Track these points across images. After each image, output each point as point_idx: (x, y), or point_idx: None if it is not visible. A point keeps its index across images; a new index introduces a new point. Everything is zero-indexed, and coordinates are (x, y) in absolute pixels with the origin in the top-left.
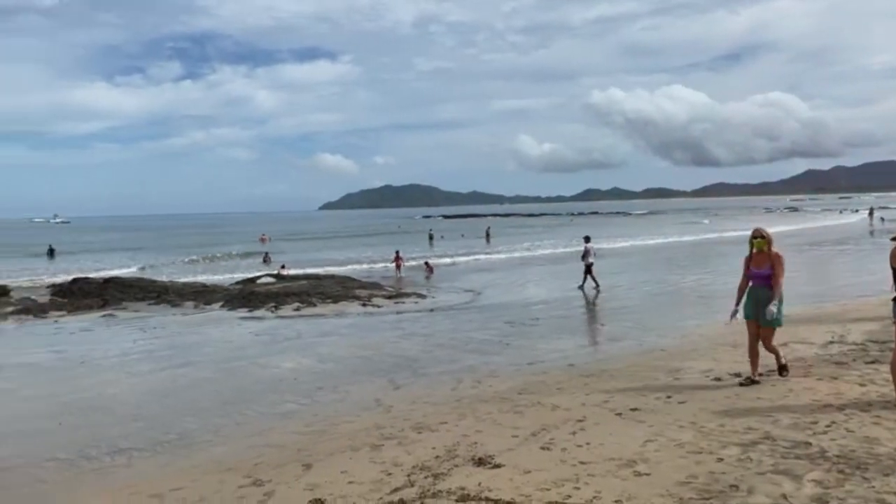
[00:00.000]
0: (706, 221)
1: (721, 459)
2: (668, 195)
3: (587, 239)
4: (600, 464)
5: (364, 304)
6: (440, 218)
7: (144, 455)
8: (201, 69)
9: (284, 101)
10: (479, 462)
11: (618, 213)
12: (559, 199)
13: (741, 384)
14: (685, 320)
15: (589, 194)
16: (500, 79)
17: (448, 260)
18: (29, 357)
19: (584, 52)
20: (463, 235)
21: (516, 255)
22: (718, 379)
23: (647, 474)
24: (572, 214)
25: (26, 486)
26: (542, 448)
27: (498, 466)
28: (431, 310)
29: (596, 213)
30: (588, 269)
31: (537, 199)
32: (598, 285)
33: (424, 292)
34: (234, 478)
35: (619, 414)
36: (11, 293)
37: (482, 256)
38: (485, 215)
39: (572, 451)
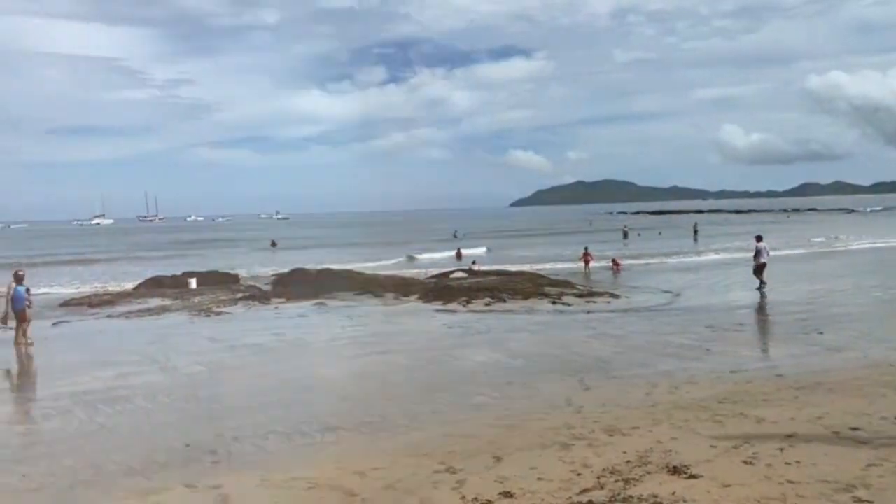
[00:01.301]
0: None
1: None
2: None
3: (759, 238)
4: (812, 485)
5: (554, 302)
6: (635, 214)
7: (350, 434)
8: (403, 73)
9: (479, 100)
10: (674, 471)
11: (841, 209)
12: (770, 193)
13: None
14: None
15: (806, 189)
16: (703, 67)
17: (644, 261)
18: (255, 338)
19: (800, 34)
20: (660, 233)
21: (726, 255)
22: None
23: (870, 502)
24: (787, 211)
25: (252, 455)
26: (745, 462)
27: (694, 477)
28: (625, 310)
29: (814, 209)
30: (760, 269)
31: (745, 195)
32: (763, 284)
33: (618, 292)
34: (429, 463)
35: (837, 432)
36: (241, 281)
37: (691, 257)
38: (686, 211)
39: (779, 468)
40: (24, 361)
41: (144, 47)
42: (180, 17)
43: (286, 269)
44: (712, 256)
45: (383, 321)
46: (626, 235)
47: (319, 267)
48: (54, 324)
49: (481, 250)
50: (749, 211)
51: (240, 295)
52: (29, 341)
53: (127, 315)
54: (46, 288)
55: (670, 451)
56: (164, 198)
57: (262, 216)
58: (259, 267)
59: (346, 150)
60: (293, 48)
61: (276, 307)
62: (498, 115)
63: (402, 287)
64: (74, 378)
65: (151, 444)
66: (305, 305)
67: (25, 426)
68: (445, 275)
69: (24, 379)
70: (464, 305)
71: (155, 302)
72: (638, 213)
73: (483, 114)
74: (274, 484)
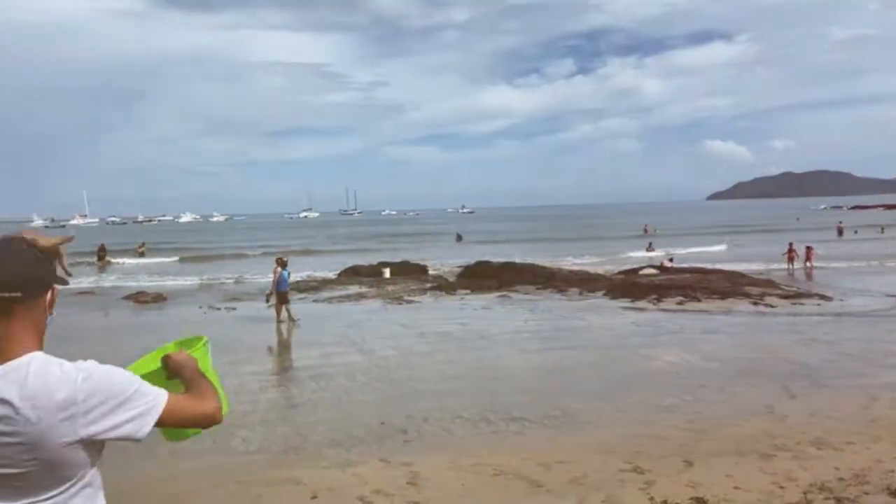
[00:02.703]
0: None
1: None
2: None
3: None
4: None
5: (755, 303)
6: (852, 210)
7: (534, 426)
8: (592, 64)
9: (672, 88)
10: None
11: None
12: None
13: None
14: None
15: None
16: None
17: (863, 262)
18: (442, 327)
19: None
20: (882, 230)
21: None
22: None
23: None
24: None
25: (440, 437)
26: None
27: None
28: (839, 314)
29: None
30: None
31: None
32: None
33: (830, 294)
34: (615, 461)
35: None
36: (429, 272)
37: None
38: None
39: None
40: (284, 336)
41: (348, 52)
42: (378, 21)
43: (471, 262)
44: None
45: (567, 316)
46: (840, 233)
47: (503, 260)
48: (268, 307)
49: (720, 248)
50: None
51: (428, 285)
52: (295, 318)
53: (329, 300)
54: (260, 275)
55: (892, 471)
56: (361, 193)
57: (449, 210)
58: (446, 259)
59: (531, 144)
60: (481, 45)
61: (462, 298)
62: (694, 103)
63: (586, 282)
64: (287, 356)
65: (350, 420)
66: (489, 297)
67: (247, 396)
68: (634, 271)
69: (250, 354)
70: (654, 303)
71: (353, 289)
72: (855, 207)
73: (677, 102)
74: (461, 467)
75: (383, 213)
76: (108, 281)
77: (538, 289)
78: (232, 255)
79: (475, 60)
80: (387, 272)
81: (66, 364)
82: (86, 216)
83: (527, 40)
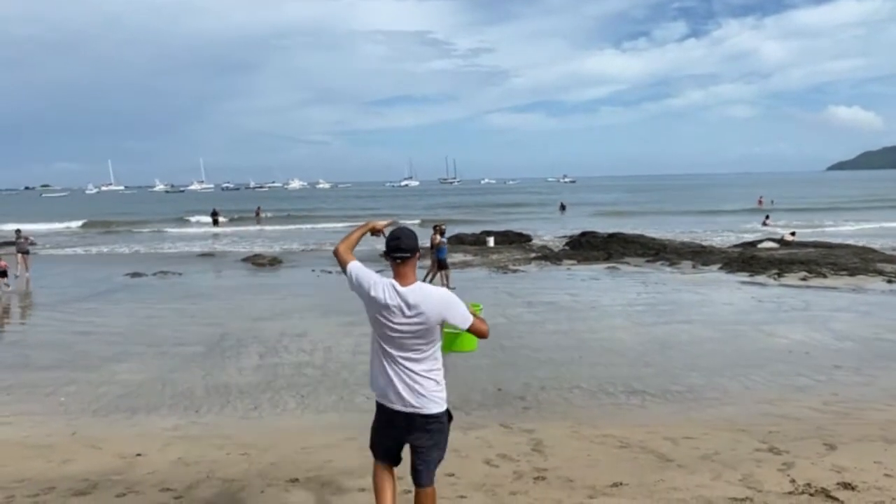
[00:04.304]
0: None
1: None
2: None
3: None
4: None
5: (890, 281)
6: None
7: (656, 400)
8: (706, 26)
9: (794, 50)
10: None
11: None
12: None
13: None
14: None
15: None
16: None
17: None
18: (550, 297)
19: None
20: None
21: None
22: None
23: None
24: None
25: (559, 406)
26: None
27: None
28: None
29: None
30: None
31: None
32: None
33: None
34: (748, 440)
35: None
36: (532, 241)
37: None
38: None
39: None
40: None
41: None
42: None
43: (576, 232)
44: None
45: (681, 289)
46: None
47: (609, 231)
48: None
49: (847, 225)
50: None
51: (533, 255)
52: (452, 285)
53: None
54: (366, 245)
55: None
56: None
57: (550, 179)
58: (549, 229)
59: (637, 110)
60: (588, 8)
61: (568, 268)
62: (817, 67)
63: (700, 255)
64: None
65: (467, 385)
66: (597, 268)
67: (364, 357)
68: (751, 244)
69: (363, 316)
70: (774, 279)
71: (458, 257)
72: None
73: (798, 66)
74: (584, 436)
75: (483, 181)
76: (224, 244)
77: (647, 261)
78: (337, 221)
79: (582, 24)
80: (490, 241)
81: (432, 287)
82: (202, 182)
83: (636, 2)
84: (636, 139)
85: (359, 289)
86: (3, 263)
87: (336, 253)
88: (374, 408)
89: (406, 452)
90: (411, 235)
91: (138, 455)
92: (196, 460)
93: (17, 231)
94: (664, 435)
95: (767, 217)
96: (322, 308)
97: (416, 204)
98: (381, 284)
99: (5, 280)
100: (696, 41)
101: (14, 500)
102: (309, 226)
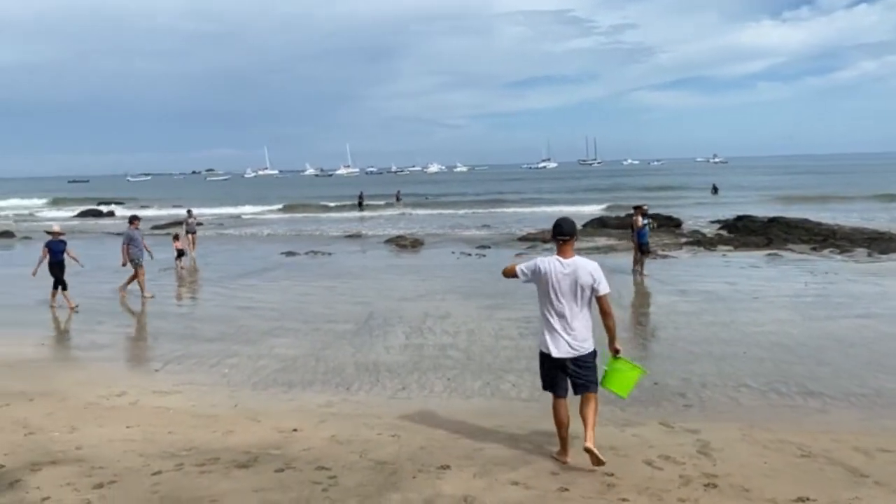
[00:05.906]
0: None
1: None
2: None
3: None
4: None
5: None
6: None
7: (838, 404)
8: None
9: None
10: None
11: None
12: None
13: None
14: None
15: None
16: None
17: None
18: (706, 285)
19: None
20: None
21: None
22: None
23: None
24: None
25: (725, 405)
26: None
27: None
28: None
29: None
30: None
31: None
32: None
33: None
34: None
35: None
36: (683, 226)
37: None
38: None
39: None
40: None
41: None
42: None
43: (730, 216)
44: None
45: (857, 280)
46: None
47: (769, 216)
48: (517, 255)
49: None
50: None
51: (684, 240)
52: (646, 273)
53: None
54: (500, 225)
55: None
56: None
57: (698, 160)
58: (701, 213)
59: (798, 85)
60: None
61: (724, 255)
62: None
63: (877, 242)
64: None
65: None
66: (756, 255)
67: (508, 342)
68: None
69: (504, 300)
70: None
71: (602, 241)
72: None
73: None
74: (758, 441)
75: (625, 162)
76: (369, 226)
77: (813, 248)
78: (475, 204)
79: None
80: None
81: (586, 260)
82: (349, 167)
83: None
84: (796, 116)
85: (534, 276)
86: (179, 245)
87: (505, 275)
88: (520, 395)
89: None
90: (571, 223)
91: (294, 430)
92: (348, 439)
93: (189, 211)
94: (853, 445)
95: None
96: (463, 290)
97: (555, 187)
98: (548, 260)
99: (181, 261)
100: (867, 7)
101: (183, 468)
102: (449, 211)
